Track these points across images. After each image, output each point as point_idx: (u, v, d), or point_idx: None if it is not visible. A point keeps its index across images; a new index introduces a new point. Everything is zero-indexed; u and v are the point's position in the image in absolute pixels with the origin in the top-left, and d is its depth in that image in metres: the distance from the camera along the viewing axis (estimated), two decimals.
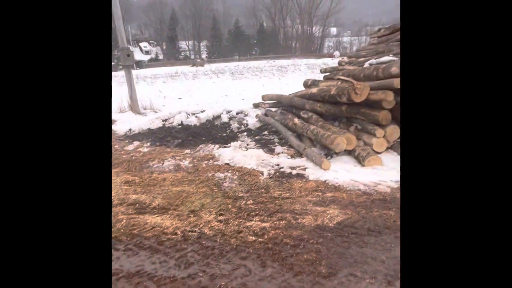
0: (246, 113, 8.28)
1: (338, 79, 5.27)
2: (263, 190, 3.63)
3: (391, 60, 6.02)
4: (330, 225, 2.76)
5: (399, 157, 4.53)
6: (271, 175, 4.15)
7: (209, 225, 2.85)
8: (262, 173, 4.21)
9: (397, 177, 3.80)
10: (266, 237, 2.60)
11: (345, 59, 9.17)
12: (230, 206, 3.22)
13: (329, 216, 2.91)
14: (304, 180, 3.92)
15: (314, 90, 6.50)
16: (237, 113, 8.33)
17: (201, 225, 2.86)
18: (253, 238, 2.60)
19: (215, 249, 2.48)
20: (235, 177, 4.09)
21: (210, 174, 4.20)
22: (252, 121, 7.60)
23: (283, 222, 2.85)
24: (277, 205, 3.21)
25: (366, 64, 6.67)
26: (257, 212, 3.07)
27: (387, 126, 4.73)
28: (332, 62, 22.99)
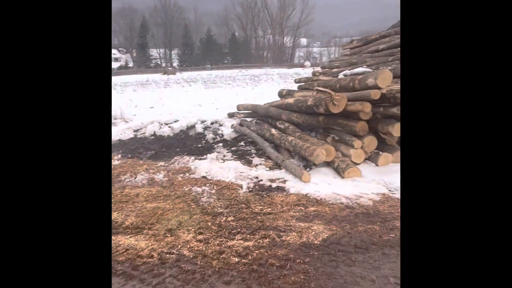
0: (221, 123, 8.12)
1: (317, 90, 5.26)
2: (243, 205, 3.49)
3: (365, 71, 6.11)
4: (315, 242, 2.66)
5: (377, 168, 4.54)
6: (250, 189, 4.02)
7: (188, 246, 2.67)
8: (241, 187, 4.07)
9: (377, 189, 3.78)
10: (250, 257, 2.46)
11: (319, 69, 9.27)
12: (209, 223, 3.06)
13: (314, 232, 2.81)
14: (285, 193, 3.81)
15: (290, 100, 6.47)
16: (212, 123, 8.15)
17: (179, 246, 2.67)
18: (237, 259, 2.45)
19: (196, 273, 2.31)
20: (213, 191, 3.92)
21: (186, 189, 4.00)
22: (227, 131, 7.45)
23: (267, 240, 2.72)
24: (259, 221, 3.08)
25: (341, 75, 6.73)
26: (239, 229, 2.92)
27: (364, 137, 4.75)
28: (304, 72, 23.36)
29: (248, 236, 2.80)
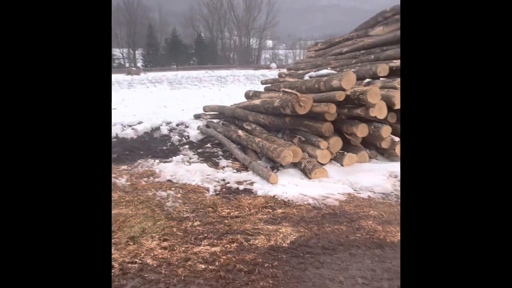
0: (187, 125, 7.95)
1: (283, 91, 5.27)
2: (210, 209, 3.40)
3: (330, 73, 6.22)
4: (284, 245, 2.63)
5: (342, 168, 4.62)
6: (217, 192, 3.94)
7: (152, 254, 2.54)
8: (208, 190, 3.98)
9: (343, 189, 3.83)
10: (217, 263, 2.38)
11: (285, 71, 9.34)
12: (175, 229, 2.94)
13: (282, 235, 2.78)
14: (252, 195, 3.77)
15: (257, 101, 6.45)
16: (178, 125, 7.96)
17: (142, 254, 2.54)
18: (203, 266, 2.36)
19: (160, 283, 2.19)
20: (179, 195, 3.80)
21: (150, 193, 3.85)
22: (193, 133, 7.31)
23: (235, 244, 2.65)
24: (227, 225, 3.01)
25: (306, 77, 6.81)
26: (206, 234, 2.83)
27: (330, 138, 4.81)
28: (270, 74, 23.50)
29: (215, 241, 2.72)
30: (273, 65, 35.90)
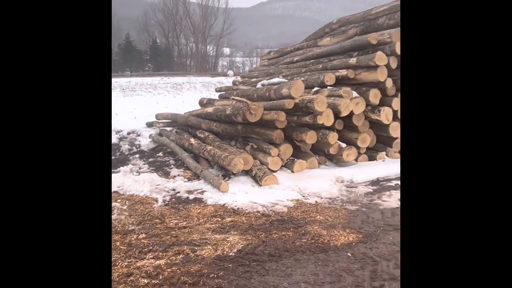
0: (138, 133, 7.70)
1: (234, 99, 5.29)
2: (157, 220, 3.31)
3: (281, 81, 6.35)
4: (230, 254, 2.62)
5: (293, 175, 4.71)
6: (166, 202, 3.84)
7: None
8: (157, 200, 3.87)
9: (292, 195, 3.91)
10: (161, 277, 2.31)
11: (239, 79, 9.40)
12: (118, 243, 2.82)
13: (229, 244, 2.77)
14: (202, 205, 3.72)
15: (210, 109, 6.42)
16: (128, 133, 7.69)
17: None
18: (146, 280, 2.28)
19: None
20: (125, 207, 3.66)
21: None
22: (145, 142, 7.09)
23: (180, 256, 2.60)
24: (173, 236, 2.94)
25: (259, 85, 6.90)
26: (151, 247, 2.75)
27: (280, 145, 4.90)
28: (227, 81, 23.51)
29: (160, 253, 2.64)
30: (230, 72, 36.02)
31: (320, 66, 6.10)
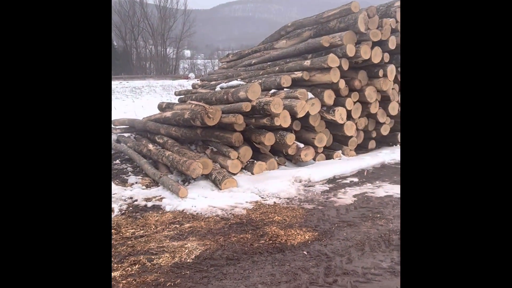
0: None
1: (190, 103, 5.25)
2: (113, 231, 3.21)
3: (239, 84, 6.40)
4: (188, 260, 2.60)
5: (252, 177, 4.76)
6: (123, 211, 3.74)
7: None
8: (113, 210, 3.75)
9: (251, 197, 3.94)
10: None
11: (199, 82, 9.34)
12: None
13: (187, 250, 2.75)
14: (160, 212, 3.66)
15: (168, 113, 6.32)
16: None
17: None
18: None
19: None
20: None
21: None
22: None
23: (136, 266, 2.54)
24: (130, 246, 2.87)
25: (218, 88, 6.90)
26: None
27: (240, 148, 4.93)
28: (188, 84, 23.17)
29: (115, 265, 2.57)
30: (192, 75, 35.56)
31: (277, 68, 6.21)
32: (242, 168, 4.96)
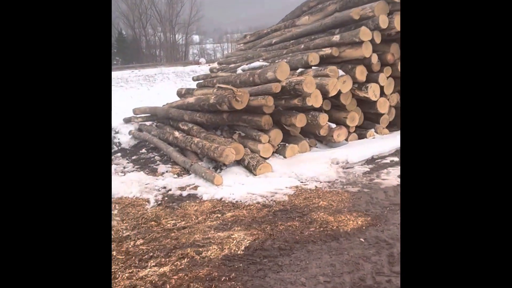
0: (116, 130, 7.33)
1: (219, 87, 5.05)
2: (153, 222, 3.10)
3: (262, 65, 6.15)
4: (239, 252, 2.47)
5: (285, 160, 4.58)
6: (159, 202, 3.63)
7: None
8: (149, 201, 3.65)
9: (290, 182, 3.78)
10: (168, 286, 2.14)
11: (216, 65, 9.10)
12: (115, 252, 2.61)
13: (235, 241, 2.62)
14: (198, 201, 3.54)
15: (191, 99, 6.15)
16: None
17: None
18: None
19: None
20: (116, 211, 3.42)
21: None
22: (125, 139, 6.77)
23: (185, 260, 2.42)
24: (174, 239, 2.76)
25: (239, 70, 6.67)
26: (151, 253, 2.55)
27: (270, 131, 4.74)
28: (200, 69, 22.92)
29: (163, 259, 2.46)
30: (202, 60, 35.19)
31: (302, 46, 5.92)
32: (273, 152, 4.78)
